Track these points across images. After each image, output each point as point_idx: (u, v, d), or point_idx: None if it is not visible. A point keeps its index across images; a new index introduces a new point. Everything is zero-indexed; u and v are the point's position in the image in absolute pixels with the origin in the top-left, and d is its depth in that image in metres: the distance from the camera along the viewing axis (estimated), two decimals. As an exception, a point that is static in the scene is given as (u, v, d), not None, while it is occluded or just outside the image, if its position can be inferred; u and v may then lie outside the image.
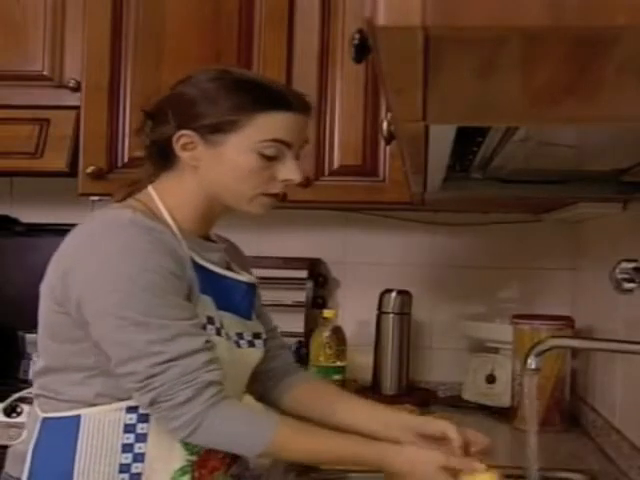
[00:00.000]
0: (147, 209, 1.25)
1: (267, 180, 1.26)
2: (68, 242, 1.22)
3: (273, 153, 1.24)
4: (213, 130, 1.23)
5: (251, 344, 1.33)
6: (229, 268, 1.36)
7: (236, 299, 1.33)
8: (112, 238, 1.18)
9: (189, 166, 1.26)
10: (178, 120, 1.25)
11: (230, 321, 1.29)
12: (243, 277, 1.36)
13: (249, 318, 1.36)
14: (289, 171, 1.26)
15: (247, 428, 1.19)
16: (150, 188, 1.29)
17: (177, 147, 1.25)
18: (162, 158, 1.29)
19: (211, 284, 1.27)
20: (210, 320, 1.24)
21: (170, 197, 1.28)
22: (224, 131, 1.23)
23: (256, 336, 1.35)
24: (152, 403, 1.15)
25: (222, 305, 1.28)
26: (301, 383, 1.46)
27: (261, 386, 1.45)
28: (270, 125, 1.23)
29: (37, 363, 1.29)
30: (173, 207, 1.27)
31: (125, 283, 1.14)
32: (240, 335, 1.31)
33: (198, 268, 1.25)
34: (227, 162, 1.24)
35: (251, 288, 1.38)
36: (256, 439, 1.19)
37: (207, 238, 1.34)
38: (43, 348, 1.27)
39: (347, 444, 1.24)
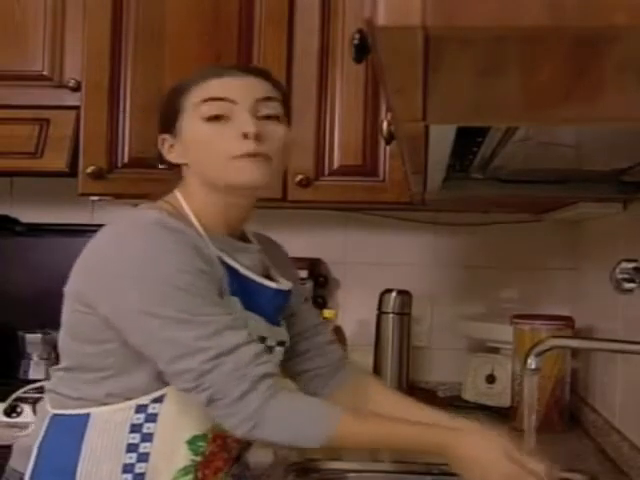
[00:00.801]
0: (174, 210, 1.26)
1: (228, 141, 1.23)
2: (94, 243, 1.21)
3: (215, 111, 1.24)
4: (172, 123, 1.28)
5: (270, 350, 1.30)
6: (266, 272, 1.35)
7: (263, 303, 1.30)
8: (139, 239, 1.17)
9: (184, 167, 1.29)
10: (159, 131, 1.31)
11: (256, 324, 1.27)
12: (271, 283, 1.32)
13: (276, 324, 1.33)
14: (241, 124, 1.23)
15: (310, 418, 1.17)
16: (176, 190, 1.30)
17: (164, 153, 1.30)
18: (173, 172, 1.32)
19: (238, 285, 1.26)
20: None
21: (190, 198, 1.29)
22: (176, 118, 1.27)
23: (280, 344, 1.33)
24: (209, 401, 1.14)
25: (249, 306, 1.26)
26: (346, 383, 1.43)
27: (309, 385, 1.43)
28: (202, 91, 1.26)
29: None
30: (196, 208, 1.27)
31: (158, 283, 1.14)
32: (263, 339, 1.28)
33: (225, 268, 1.24)
34: (188, 142, 1.27)
35: (281, 294, 1.34)
36: (320, 429, 1.16)
37: (241, 237, 1.33)
38: (63, 347, 1.27)
39: (410, 429, 1.21)
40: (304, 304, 1.47)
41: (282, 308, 1.36)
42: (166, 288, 1.14)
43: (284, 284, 1.35)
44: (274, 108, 1.27)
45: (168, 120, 1.29)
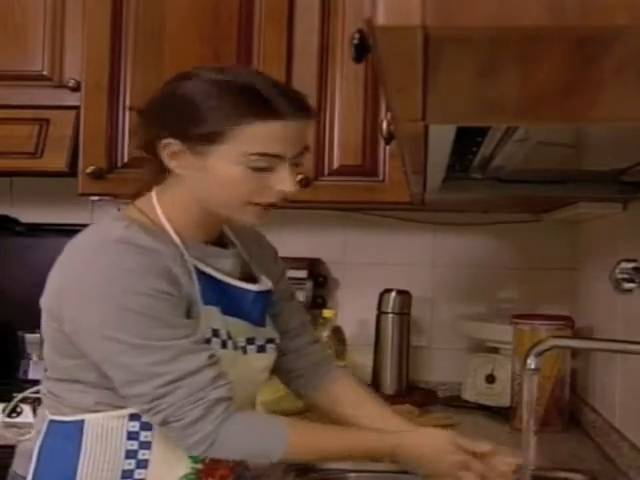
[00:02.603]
0: (146, 218, 1.23)
1: (259, 190, 1.19)
2: (63, 258, 1.21)
3: (262, 165, 1.17)
4: (200, 141, 1.17)
5: (261, 349, 1.31)
6: (246, 273, 1.33)
7: (246, 306, 1.29)
8: (103, 258, 1.15)
9: (180, 173, 1.21)
10: (163, 126, 1.20)
11: (239, 327, 1.27)
12: (250, 286, 1.30)
13: (261, 325, 1.32)
14: (281, 182, 1.19)
15: (260, 438, 1.19)
16: (153, 194, 1.26)
17: (164, 155, 1.20)
18: (154, 166, 1.24)
19: (217, 292, 1.24)
20: (215, 333, 1.22)
21: (169, 204, 1.24)
22: (209, 142, 1.16)
23: (269, 341, 1.33)
24: (163, 423, 1.15)
25: (230, 311, 1.26)
26: (327, 383, 1.43)
27: (294, 384, 1.46)
28: (257, 137, 1.16)
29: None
30: (172, 214, 1.23)
31: (117, 307, 1.13)
32: (251, 340, 1.29)
33: (202, 276, 1.23)
34: (212, 173, 1.18)
35: (262, 295, 1.33)
36: (271, 446, 1.19)
37: (218, 241, 1.30)
38: (47, 359, 1.27)
39: (358, 438, 1.25)
40: (289, 302, 1.46)
41: (266, 308, 1.35)
42: (123, 312, 1.13)
43: (265, 284, 1.34)
44: (304, 155, 1.24)
45: (193, 134, 1.16)
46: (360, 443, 1.25)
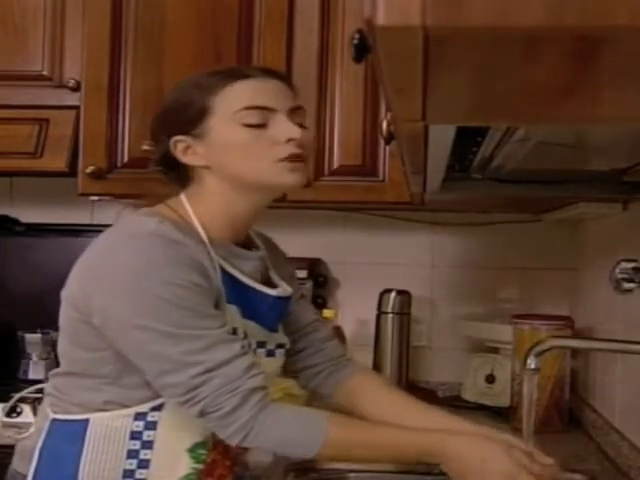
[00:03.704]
0: (177, 216, 1.24)
1: (270, 146, 1.23)
2: (92, 248, 1.21)
3: (256, 120, 1.23)
4: (194, 124, 1.23)
5: (270, 354, 1.31)
6: (267, 276, 1.34)
7: (263, 310, 1.30)
8: (136, 250, 1.16)
9: (201, 169, 1.26)
10: (166, 132, 1.26)
11: (253, 330, 1.27)
12: (271, 291, 1.32)
13: (275, 330, 1.34)
14: (285, 131, 1.23)
15: (299, 430, 1.18)
16: (182, 195, 1.28)
17: (178, 155, 1.25)
18: (177, 175, 1.29)
19: (238, 293, 1.25)
20: (234, 331, 1.22)
21: (200, 204, 1.26)
22: (202, 119, 1.23)
23: (279, 346, 1.34)
24: (202, 414, 1.15)
25: (248, 314, 1.26)
26: (351, 381, 1.43)
27: (310, 382, 1.45)
28: (238, 95, 1.23)
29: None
30: (203, 214, 1.26)
31: (151, 297, 1.13)
32: (262, 344, 1.29)
33: (226, 276, 1.24)
34: (221, 145, 1.23)
35: (281, 301, 1.34)
36: (310, 441, 1.17)
37: (244, 244, 1.32)
38: (62, 352, 1.27)
39: (401, 435, 1.22)
40: (300, 301, 1.47)
41: (282, 315, 1.36)
42: (157, 301, 1.13)
43: (284, 289, 1.35)
44: (303, 117, 1.29)
45: (186, 121, 1.24)
46: (401, 442, 1.21)
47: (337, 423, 1.20)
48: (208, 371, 1.13)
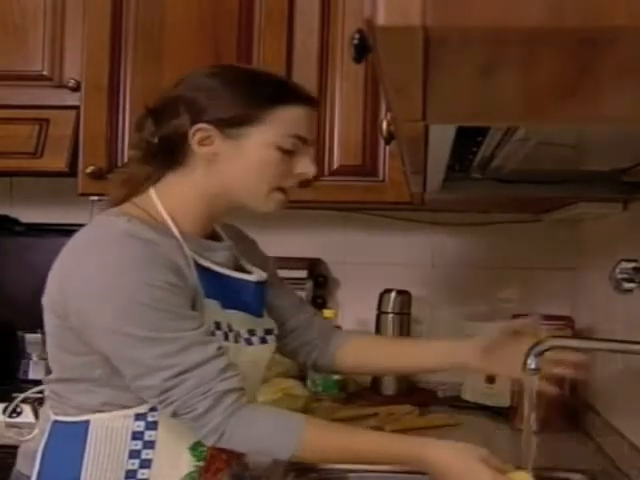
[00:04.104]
0: (146, 214, 1.23)
1: (283, 174, 1.25)
2: (65, 253, 1.20)
3: (291, 147, 1.24)
4: (232, 123, 1.21)
5: (263, 340, 1.32)
6: (238, 265, 1.34)
7: (246, 298, 1.31)
8: (108, 251, 1.15)
9: (203, 161, 1.23)
10: (192, 114, 1.21)
11: (240, 320, 1.27)
12: (250, 276, 1.33)
13: (260, 315, 1.34)
14: (305, 165, 1.26)
15: (274, 432, 1.18)
16: (152, 190, 1.26)
17: (194, 142, 1.21)
18: (168, 156, 1.25)
19: (216, 285, 1.25)
20: (217, 325, 1.22)
21: (172, 198, 1.25)
22: (244, 124, 1.21)
23: (268, 332, 1.34)
24: (175, 415, 1.15)
25: (230, 304, 1.26)
26: (347, 342, 1.50)
27: (310, 357, 1.49)
28: (290, 119, 1.23)
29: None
30: (175, 208, 1.24)
31: (125, 299, 1.12)
32: (252, 332, 1.30)
33: (202, 270, 1.23)
34: (247, 156, 1.22)
35: (260, 285, 1.35)
36: (285, 441, 1.17)
37: (212, 236, 1.32)
38: (51, 357, 1.27)
39: (379, 440, 1.22)
40: (280, 284, 1.50)
41: (264, 299, 1.37)
42: (131, 305, 1.12)
43: (260, 275, 1.36)
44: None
45: (227, 118, 1.20)
46: (381, 447, 1.20)
47: (314, 426, 1.20)
48: (181, 373, 1.13)
